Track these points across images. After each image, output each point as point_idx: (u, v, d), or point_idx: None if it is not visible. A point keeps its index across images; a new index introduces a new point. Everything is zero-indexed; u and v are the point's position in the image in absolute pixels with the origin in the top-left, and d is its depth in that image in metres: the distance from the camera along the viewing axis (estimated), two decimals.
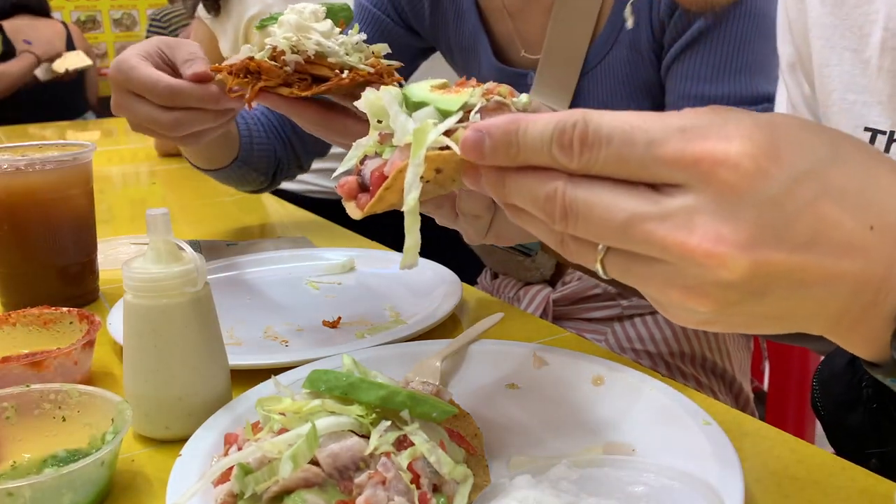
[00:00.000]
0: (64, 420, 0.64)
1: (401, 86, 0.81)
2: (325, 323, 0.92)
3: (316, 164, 1.85)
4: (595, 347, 0.84)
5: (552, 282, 1.21)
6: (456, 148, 0.44)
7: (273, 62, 0.76)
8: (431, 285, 1.00)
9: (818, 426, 1.78)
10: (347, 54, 0.78)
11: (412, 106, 0.51)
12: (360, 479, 0.51)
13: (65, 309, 0.82)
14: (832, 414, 0.80)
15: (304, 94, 0.77)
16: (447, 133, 0.47)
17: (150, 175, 2.04)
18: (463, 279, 1.01)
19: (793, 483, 0.59)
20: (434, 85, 0.53)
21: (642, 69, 1.02)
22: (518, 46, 1.11)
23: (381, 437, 0.52)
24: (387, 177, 0.49)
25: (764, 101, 0.96)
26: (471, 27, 1.15)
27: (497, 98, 0.50)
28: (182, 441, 0.62)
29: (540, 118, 0.41)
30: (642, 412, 0.65)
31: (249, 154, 1.23)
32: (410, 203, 0.46)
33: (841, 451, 0.79)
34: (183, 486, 0.55)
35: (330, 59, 0.77)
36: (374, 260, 1.14)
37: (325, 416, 0.54)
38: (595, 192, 0.39)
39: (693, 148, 0.37)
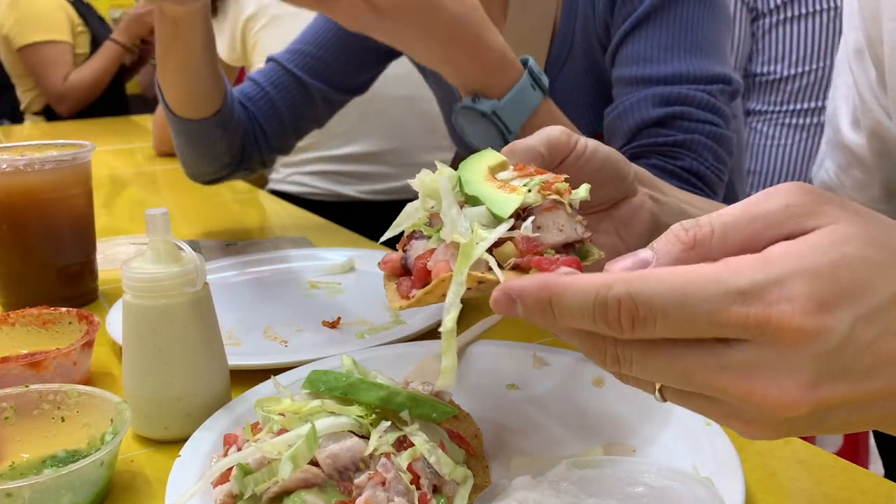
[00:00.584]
0: (63, 420, 0.64)
1: None
2: (325, 323, 0.92)
3: (316, 167, 1.85)
4: None
5: None
6: (501, 276, 0.43)
7: None
8: None
9: None
10: None
11: (465, 195, 0.49)
12: (360, 479, 0.51)
13: (64, 309, 0.82)
14: None
15: None
16: (499, 243, 0.46)
17: (149, 175, 2.04)
18: None
19: (793, 483, 0.59)
20: (492, 165, 0.52)
21: (601, 77, 1.00)
22: None
23: (380, 438, 0.52)
24: (429, 272, 0.48)
25: (717, 82, 0.92)
26: None
27: (553, 197, 0.49)
28: (181, 441, 0.62)
29: (575, 286, 0.38)
30: (642, 412, 0.65)
31: (229, 117, 1.20)
32: (448, 325, 0.44)
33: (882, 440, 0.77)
34: (182, 487, 0.55)
35: None
36: (374, 260, 1.13)
37: (325, 417, 0.54)
38: (650, 350, 0.38)
39: (756, 314, 0.36)
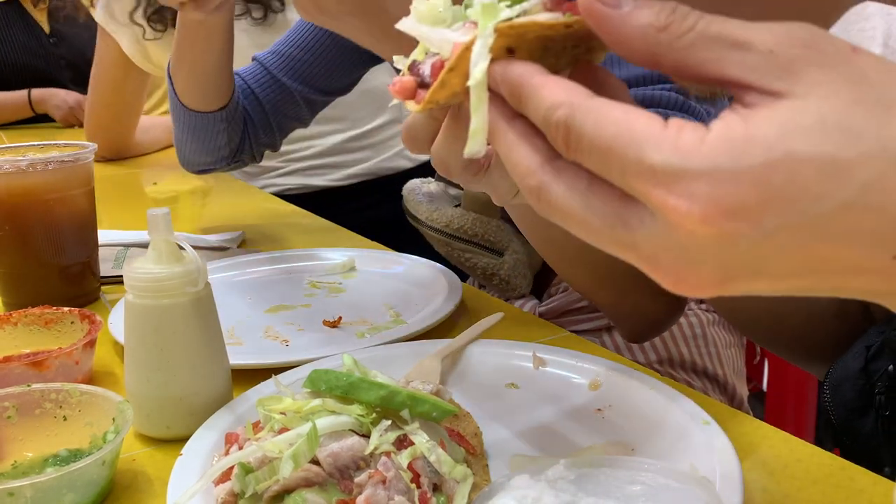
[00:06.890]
0: (65, 419, 0.64)
1: None
2: (325, 323, 0.92)
3: (285, 168, 1.84)
4: (595, 347, 0.84)
5: (538, 294, 1.20)
6: (542, 13, 0.38)
7: None
8: (431, 285, 1.01)
9: (818, 426, 1.78)
10: None
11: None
12: (361, 478, 0.51)
13: (66, 309, 0.82)
14: (843, 418, 0.79)
15: None
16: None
17: (150, 175, 2.04)
18: (463, 279, 1.01)
19: (792, 483, 0.59)
20: None
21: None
22: None
23: (381, 437, 0.53)
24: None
25: None
26: None
27: None
28: (183, 440, 0.63)
29: (537, 94, 0.37)
30: (642, 412, 0.66)
31: (234, 111, 1.26)
32: (478, 76, 0.39)
33: (849, 456, 0.78)
34: (184, 486, 0.55)
35: None
36: (374, 260, 1.14)
37: (326, 416, 0.54)
38: (572, 188, 0.37)
39: (658, 196, 0.34)
